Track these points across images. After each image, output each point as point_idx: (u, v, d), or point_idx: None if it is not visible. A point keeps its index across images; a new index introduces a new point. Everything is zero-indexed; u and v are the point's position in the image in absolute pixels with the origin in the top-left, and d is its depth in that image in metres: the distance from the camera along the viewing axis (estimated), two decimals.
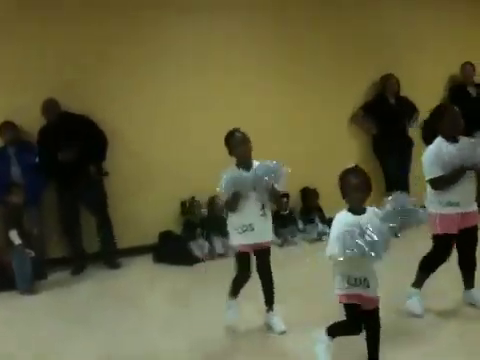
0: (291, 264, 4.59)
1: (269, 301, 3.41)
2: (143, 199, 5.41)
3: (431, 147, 3.36)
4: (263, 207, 3.25)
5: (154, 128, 5.48)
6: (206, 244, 5.26)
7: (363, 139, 6.19)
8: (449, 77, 6.42)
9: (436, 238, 3.40)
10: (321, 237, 5.46)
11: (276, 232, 5.04)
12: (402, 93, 6.06)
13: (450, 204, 3.31)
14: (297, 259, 4.90)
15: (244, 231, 3.23)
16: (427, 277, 3.49)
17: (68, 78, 5.07)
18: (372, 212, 2.55)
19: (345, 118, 6.13)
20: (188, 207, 5.44)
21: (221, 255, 5.19)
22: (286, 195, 5.48)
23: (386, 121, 5.92)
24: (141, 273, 4.92)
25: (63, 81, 5.03)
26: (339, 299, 2.62)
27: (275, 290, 3.39)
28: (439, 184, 3.31)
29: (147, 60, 5.42)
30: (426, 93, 6.17)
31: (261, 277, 3.37)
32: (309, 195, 5.89)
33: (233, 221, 3.30)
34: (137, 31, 5.36)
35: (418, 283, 3.50)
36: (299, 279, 4.28)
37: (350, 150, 6.12)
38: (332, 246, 2.46)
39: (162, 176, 5.48)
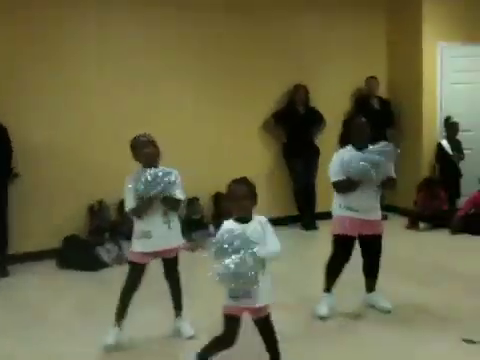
0: (200, 268, 4.57)
1: (177, 307, 3.39)
2: (49, 202, 5.20)
3: (339, 152, 3.56)
4: (166, 214, 3.17)
5: (63, 130, 5.28)
6: (115, 248, 5.12)
7: (274, 146, 6.34)
8: (355, 90, 6.74)
9: (335, 238, 3.58)
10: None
11: (187, 236, 5.02)
12: (312, 104, 6.28)
13: (350, 209, 3.48)
14: (206, 263, 4.88)
15: (141, 237, 3.17)
16: (334, 280, 3.61)
17: None
18: (257, 221, 2.62)
19: (256, 125, 6.26)
20: (96, 211, 5.28)
21: None
22: (196, 199, 5.49)
23: (295, 129, 6.13)
24: (44, 278, 4.70)
25: None
26: (222, 310, 2.63)
27: (184, 295, 3.37)
28: (340, 187, 3.49)
29: (56, 59, 5.23)
30: (333, 104, 6.48)
31: (168, 283, 3.36)
32: (222, 200, 5.92)
33: (136, 226, 3.23)
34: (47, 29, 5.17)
35: (326, 287, 3.63)
36: (208, 283, 4.28)
37: (262, 156, 6.27)
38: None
39: (70, 179, 5.29)
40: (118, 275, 4.70)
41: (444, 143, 6.38)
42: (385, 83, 6.83)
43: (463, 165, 6.41)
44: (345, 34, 6.62)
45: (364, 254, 3.65)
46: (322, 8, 6.44)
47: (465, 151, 6.44)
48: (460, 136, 6.44)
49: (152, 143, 3.21)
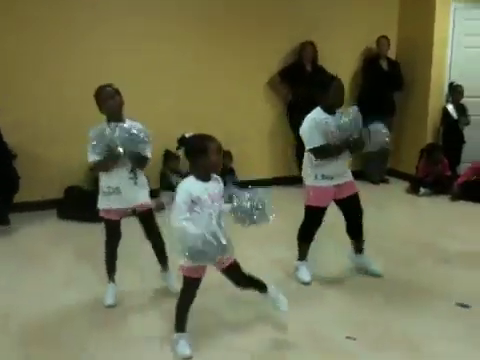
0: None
1: (162, 261, 3.39)
2: (51, 152, 5.22)
3: (310, 116, 3.38)
4: (132, 170, 3.10)
5: (64, 82, 5.23)
6: None
7: (278, 104, 6.26)
8: (364, 49, 6.60)
9: (308, 209, 3.49)
10: (232, 198, 5.54)
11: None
12: (321, 62, 6.16)
13: (324, 177, 3.37)
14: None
15: (110, 193, 3.12)
16: (308, 248, 3.61)
17: None
18: (216, 179, 2.59)
19: (262, 82, 6.16)
20: None
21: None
22: None
23: (301, 87, 6.03)
24: (44, 228, 4.77)
25: None
26: (182, 271, 2.61)
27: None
28: (322, 153, 3.31)
29: (54, 13, 5.12)
30: (342, 63, 6.36)
31: (150, 240, 3.33)
32: (223, 157, 5.89)
33: (101, 182, 3.17)
34: None
35: (301, 255, 3.62)
36: None
37: (265, 114, 6.22)
38: (180, 215, 2.39)
39: (72, 129, 5.27)
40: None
41: (450, 108, 6.29)
42: (395, 43, 6.66)
43: (467, 132, 6.35)
44: None
45: (347, 216, 3.56)
46: None
47: (472, 117, 6.36)
48: (469, 102, 6.34)
49: (117, 93, 3.10)
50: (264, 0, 5.99)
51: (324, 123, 3.27)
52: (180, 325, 2.71)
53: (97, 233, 4.59)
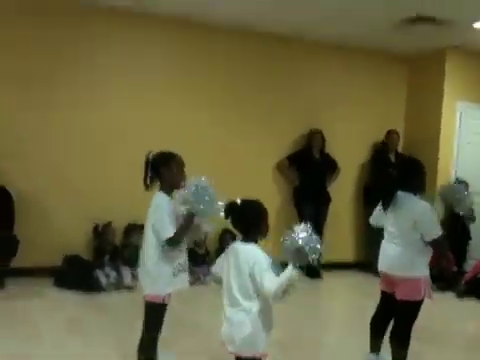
0: (198, 301, 4.50)
1: None
2: (53, 218, 5.24)
3: (426, 205, 3.10)
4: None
5: (71, 147, 5.37)
6: (113, 273, 5.06)
7: (284, 188, 6.33)
8: (371, 141, 6.72)
9: (415, 304, 3.09)
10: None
11: (189, 270, 4.92)
12: (327, 150, 6.29)
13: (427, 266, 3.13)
14: (204, 299, 4.80)
15: (179, 272, 2.77)
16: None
17: None
18: None
19: (270, 166, 6.27)
20: (101, 231, 5.26)
21: (129, 287, 4.97)
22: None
23: (308, 174, 6.10)
24: (38, 294, 4.66)
25: None
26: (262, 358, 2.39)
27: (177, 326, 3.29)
28: (444, 239, 3.08)
29: (62, 70, 5.32)
30: (347, 153, 6.48)
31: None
32: (227, 237, 5.86)
33: (167, 264, 2.72)
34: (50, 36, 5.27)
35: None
36: (206, 315, 4.24)
37: (272, 197, 6.21)
38: (274, 280, 2.26)
39: (76, 196, 5.34)
40: (113, 300, 4.71)
41: None
42: (402, 137, 6.80)
43: (473, 228, 6.31)
44: (367, 83, 6.71)
45: (394, 313, 3.24)
46: (346, 56, 6.56)
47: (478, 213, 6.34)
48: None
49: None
50: (277, 89, 6.23)
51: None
52: None
53: (92, 305, 4.51)
